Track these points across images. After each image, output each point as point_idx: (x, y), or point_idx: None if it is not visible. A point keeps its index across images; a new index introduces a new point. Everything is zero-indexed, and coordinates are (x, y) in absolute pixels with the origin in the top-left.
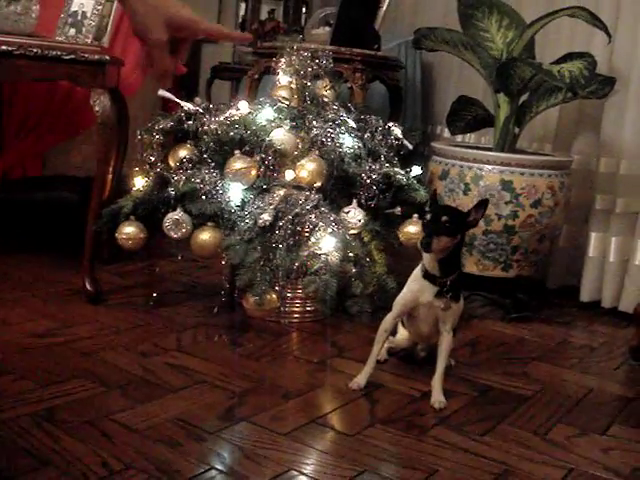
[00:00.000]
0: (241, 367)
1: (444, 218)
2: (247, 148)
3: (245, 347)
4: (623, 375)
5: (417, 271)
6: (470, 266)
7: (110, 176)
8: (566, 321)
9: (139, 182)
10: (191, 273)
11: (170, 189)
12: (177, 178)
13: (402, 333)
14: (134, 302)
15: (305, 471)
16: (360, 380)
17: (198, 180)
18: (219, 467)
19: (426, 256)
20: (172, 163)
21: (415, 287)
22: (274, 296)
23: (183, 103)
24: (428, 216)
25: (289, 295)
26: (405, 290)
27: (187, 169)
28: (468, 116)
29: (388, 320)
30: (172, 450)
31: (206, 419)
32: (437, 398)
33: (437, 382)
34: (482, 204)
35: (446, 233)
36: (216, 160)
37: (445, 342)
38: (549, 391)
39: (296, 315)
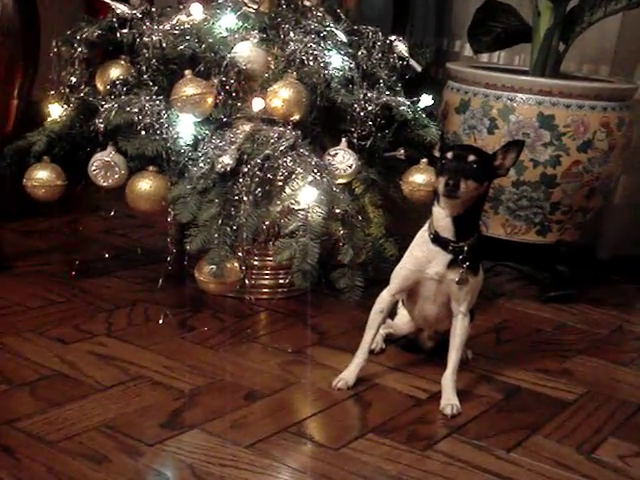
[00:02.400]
0: (192, 358)
1: (471, 157)
2: (201, 68)
3: (198, 332)
4: None
5: (423, 233)
6: (495, 228)
7: (15, 102)
8: (622, 302)
9: (55, 111)
10: (126, 234)
11: (98, 121)
12: (107, 106)
13: (403, 315)
14: (49, 271)
15: None
16: (348, 376)
17: (135, 109)
18: None
19: (438, 212)
20: (100, 86)
21: (421, 254)
22: (236, 265)
23: (115, 4)
24: (450, 154)
25: (256, 264)
26: (407, 258)
27: (121, 94)
28: (497, 28)
29: (385, 298)
30: (97, 468)
31: (144, 427)
32: (449, 401)
33: (449, 380)
34: (513, 146)
35: (474, 177)
36: (160, 83)
37: (460, 328)
38: (598, 395)
39: (265, 290)
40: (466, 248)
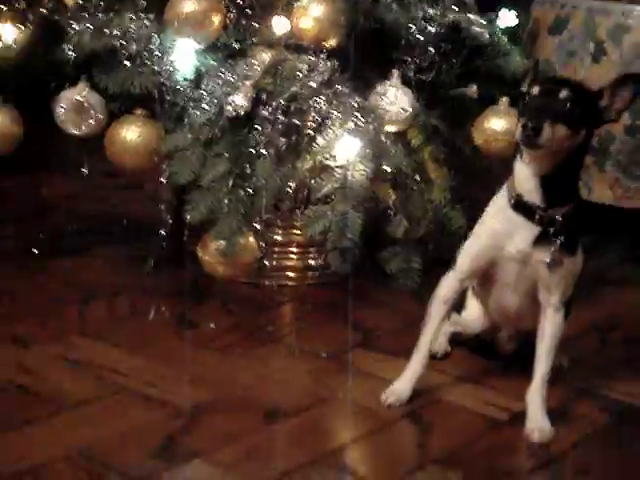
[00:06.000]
0: (194, 365)
1: (564, 94)
2: None
3: (202, 330)
4: None
5: (501, 198)
6: (601, 191)
7: None
8: None
9: (8, 33)
10: (106, 198)
11: (66, 47)
12: (79, 28)
13: (474, 308)
14: (3, 248)
15: None
16: (401, 389)
17: (117, 32)
18: None
19: (521, 170)
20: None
21: (498, 226)
22: (252, 241)
23: None
24: (535, 89)
25: (279, 239)
26: (480, 231)
27: (97, 11)
28: None
29: (450, 284)
30: None
31: (129, 457)
32: (537, 424)
33: (537, 396)
34: (629, 80)
35: (567, 120)
36: None
37: (551, 326)
38: None
39: (291, 274)
40: (559, 218)
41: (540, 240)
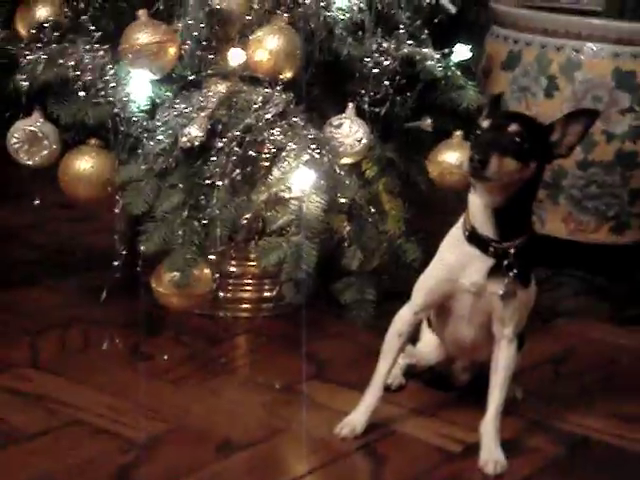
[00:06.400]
0: (147, 397)
1: (513, 127)
2: (161, 7)
3: (155, 360)
4: None
5: (457, 231)
6: (554, 224)
7: None
8: None
9: None
10: (58, 230)
11: (19, 77)
12: (32, 57)
13: (429, 340)
14: None
15: None
16: (355, 421)
17: (71, 62)
18: None
19: (474, 202)
20: (22, 29)
21: (453, 258)
22: (206, 272)
23: None
24: (485, 123)
25: (233, 271)
26: (435, 264)
27: (50, 41)
28: None
29: (405, 317)
30: None
31: None
32: (491, 456)
33: (490, 428)
34: (580, 116)
35: (515, 153)
36: (104, 27)
37: (504, 358)
38: None
39: (245, 306)
40: (513, 250)
41: (494, 272)
